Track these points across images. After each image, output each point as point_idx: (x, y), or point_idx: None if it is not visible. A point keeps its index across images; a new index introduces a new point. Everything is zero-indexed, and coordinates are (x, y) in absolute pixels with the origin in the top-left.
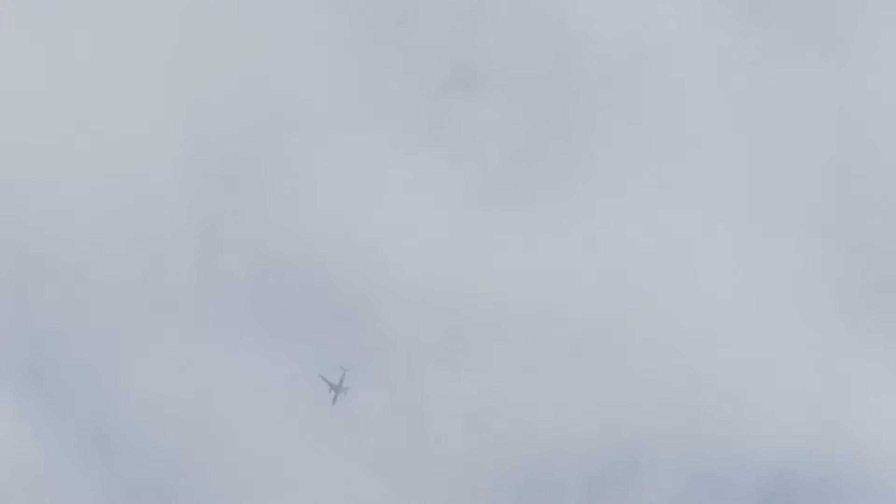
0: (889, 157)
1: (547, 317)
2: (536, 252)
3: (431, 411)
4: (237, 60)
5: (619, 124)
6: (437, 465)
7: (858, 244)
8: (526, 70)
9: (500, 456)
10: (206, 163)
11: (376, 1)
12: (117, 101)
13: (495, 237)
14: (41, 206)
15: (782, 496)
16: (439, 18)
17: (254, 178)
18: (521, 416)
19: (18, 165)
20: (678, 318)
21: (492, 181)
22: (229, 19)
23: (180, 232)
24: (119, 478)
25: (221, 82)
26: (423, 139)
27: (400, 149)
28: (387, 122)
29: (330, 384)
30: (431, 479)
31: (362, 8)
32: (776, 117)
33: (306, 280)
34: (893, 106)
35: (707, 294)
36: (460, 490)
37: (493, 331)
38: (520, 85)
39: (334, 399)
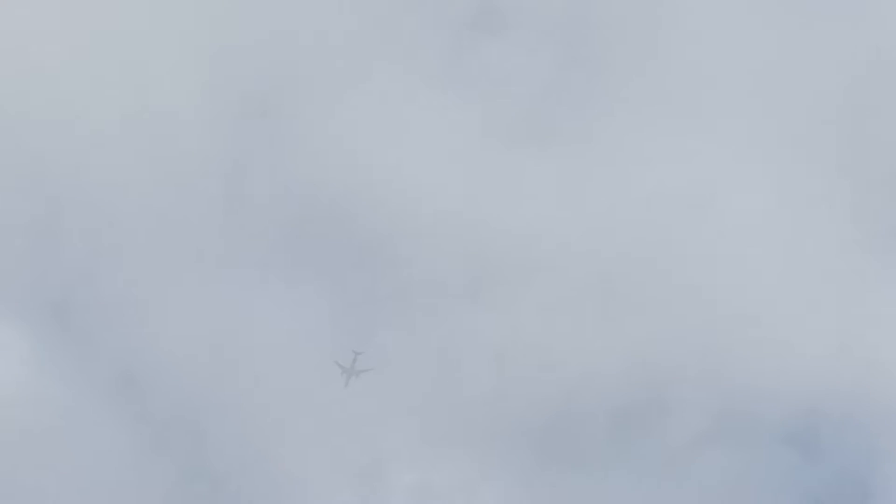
0: None
1: (572, 255)
2: (562, 190)
3: (457, 350)
4: None
5: (643, 61)
6: (463, 403)
7: (888, 178)
8: (549, 8)
9: (526, 394)
10: (231, 100)
11: None
12: (144, 38)
13: (520, 175)
14: (68, 145)
15: (809, 433)
16: None
17: (278, 117)
18: (547, 355)
19: (46, 104)
20: (705, 255)
21: (516, 119)
22: None
23: (206, 169)
24: (145, 417)
25: (248, 18)
26: (448, 77)
27: (424, 87)
28: (411, 59)
29: (342, 367)
30: (458, 419)
31: None
32: (804, 49)
33: (330, 218)
34: None
35: (734, 230)
36: (487, 429)
37: (518, 269)
38: (543, 23)
39: (346, 381)
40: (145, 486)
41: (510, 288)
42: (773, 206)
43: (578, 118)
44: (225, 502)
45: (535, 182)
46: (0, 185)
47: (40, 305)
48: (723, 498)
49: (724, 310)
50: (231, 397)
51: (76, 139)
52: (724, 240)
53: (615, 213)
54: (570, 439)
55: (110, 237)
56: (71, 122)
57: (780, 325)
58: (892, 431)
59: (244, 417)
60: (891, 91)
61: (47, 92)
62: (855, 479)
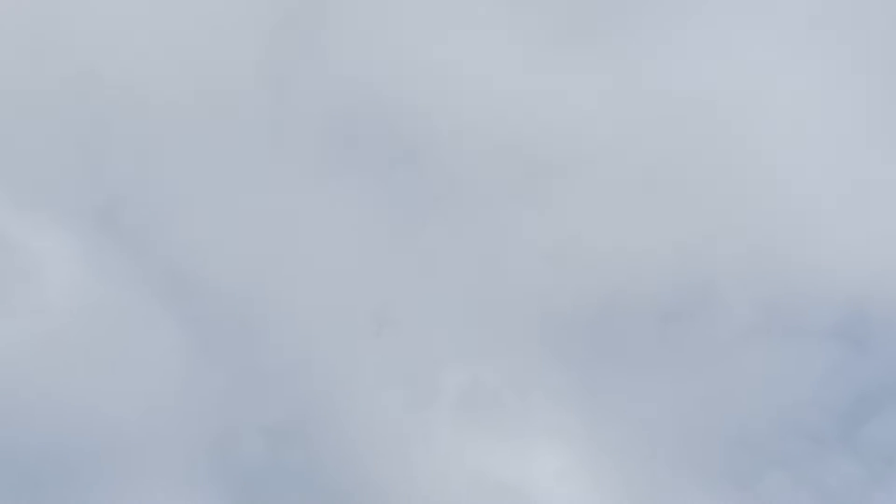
0: None
1: (618, 150)
2: (607, 83)
3: (503, 249)
4: None
5: None
6: (510, 302)
7: None
8: None
9: (574, 291)
10: (277, 5)
11: None
12: None
13: (565, 70)
14: (113, 53)
15: (859, 326)
16: None
17: (324, 21)
18: (594, 251)
19: (94, 17)
20: (754, 150)
21: (560, 13)
22: None
23: (250, 71)
24: (197, 319)
25: None
26: None
27: None
28: None
29: (373, 322)
30: (505, 317)
31: None
32: None
33: (374, 118)
34: None
35: (784, 123)
36: (535, 327)
37: (563, 166)
38: None
39: (378, 333)
40: (198, 389)
41: (555, 185)
42: (823, 98)
43: (623, 10)
44: (280, 402)
45: (580, 76)
46: (48, 90)
47: (89, 208)
48: (772, 392)
49: (772, 203)
50: (281, 297)
51: (121, 47)
52: (774, 132)
53: (661, 107)
54: (620, 335)
55: (158, 142)
56: (115, 33)
57: (829, 218)
58: None
59: (295, 317)
60: None
61: (95, 5)
62: None
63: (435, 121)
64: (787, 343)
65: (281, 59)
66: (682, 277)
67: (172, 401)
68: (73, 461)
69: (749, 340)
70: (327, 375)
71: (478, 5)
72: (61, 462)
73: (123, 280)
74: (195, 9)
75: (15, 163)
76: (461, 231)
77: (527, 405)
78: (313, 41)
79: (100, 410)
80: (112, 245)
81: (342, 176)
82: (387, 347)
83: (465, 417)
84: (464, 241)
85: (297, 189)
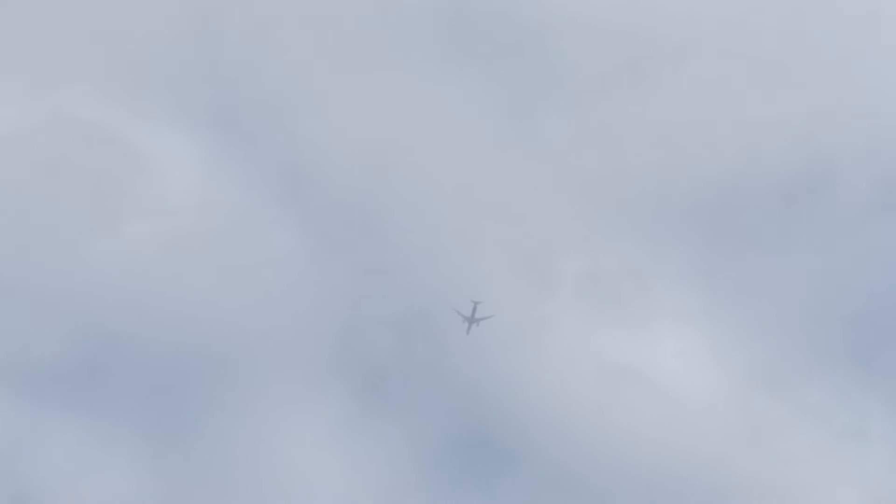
0: None
1: (733, 35)
2: None
3: (620, 135)
4: None
5: None
6: (629, 186)
7: None
8: None
9: (692, 173)
10: None
11: None
12: None
13: None
14: None
15: None
16: None
17: None
18: (712, 133)
19: None
20: (873, 29)
21: None
22: None
23: None
24: (316, 214)
25: None
26: None
27: None
28: None
29: (463, 316)
30: (624, 201)
31: None
32: None
33: (491, 10)
34: None
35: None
36: (654, 210)
37: (680, 50)
38: None
39: (468, 329)
40: (321, 283)
41: (669, 68)
42: None
43: None
44: (400, 293)
45: None
46: None
47: (207, 110)
48: (893, 269)
49: (885, 79)
50: (402, 188)
51: None
52: (886, 16)
53: None
54: (738, 216)
55: (272, 38)
56: None
57: None
58: None
59: (412, 211)
60: None
61: None
62: None
63: (548, 9)
64: None
65: None
66: (801, 156)
67: (296, 295)
68: (200, 355)
69: (869, 217)
70: (449, 267)
71: None
72: (190, 355)
73: (244, 178)
74: None
75: (133, 70)
76: (576, 118)
77: (647, 289)
78: None
79: (224, 306)
80: (231, 145)
81: (458, 67)
82: (507, 236)
83: (587, 303)
84: (579, 128)
85: (414, 81)
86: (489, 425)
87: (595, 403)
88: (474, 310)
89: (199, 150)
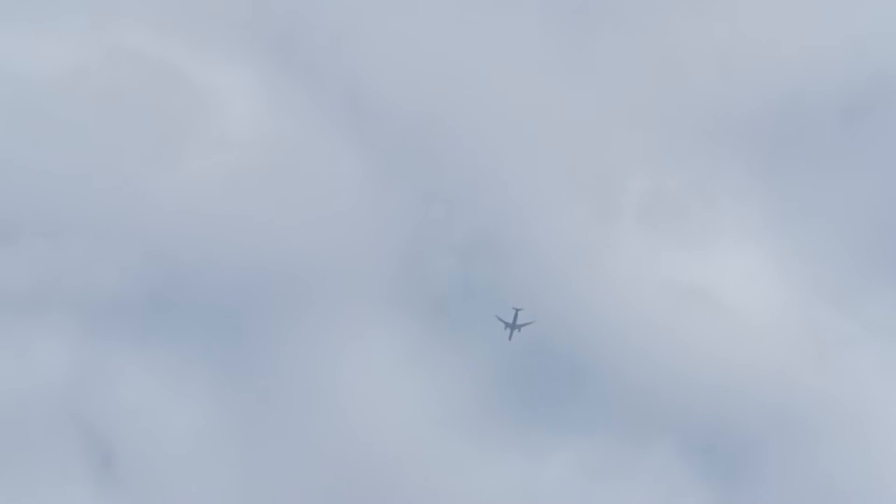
0: None
1: None
2: None
3: (680, 56)
4: None
5: None
6: (691, 107)
7: None
8: None
9: (753, 94)
10: None
11: None
12: None
13: None
14: None
15: None
16: None
17: None
18: (771, 53)
19: None
20: None
21: None
22: None
23: None
24: (377, 144)
25: None
26: None
27: None
28: None
29: (505, 323)
30: (686, 122)
31: None
32: None
33: None
34: None
35: None
36: (716, 131)
37: None
38: None
39: (510, 336)
40: (384, 211)
41: None
42: None
43: None
44: (467, 220)
45: None
46: None
47: (264, 43)
48: None
49: None
50: (459, 116)
51: None
52: None
53: None
54: (800, 133)
55: None
56: None
57: None
58: None
59: (473, 137)
60: None
61: None
62: None
63: None
64: None
65: None
66: (862, 73)
67: (359, 224)
68: (265, 286)
69: None
70: (513, 191)
71: None
72: (255, 286)
73: (304, 109)
74: None
75: (193, 3)
76: (636, 39)
77: (711, 208)
78: None
79: (287, 238)
80: (289, 77)
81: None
82: (568, 159)
83: (650, 224)
84: (639, 49)
85: (473, 5)
86: (555, 348)
87: (660, 322)
88: (515, 316)
89: (259, 82)
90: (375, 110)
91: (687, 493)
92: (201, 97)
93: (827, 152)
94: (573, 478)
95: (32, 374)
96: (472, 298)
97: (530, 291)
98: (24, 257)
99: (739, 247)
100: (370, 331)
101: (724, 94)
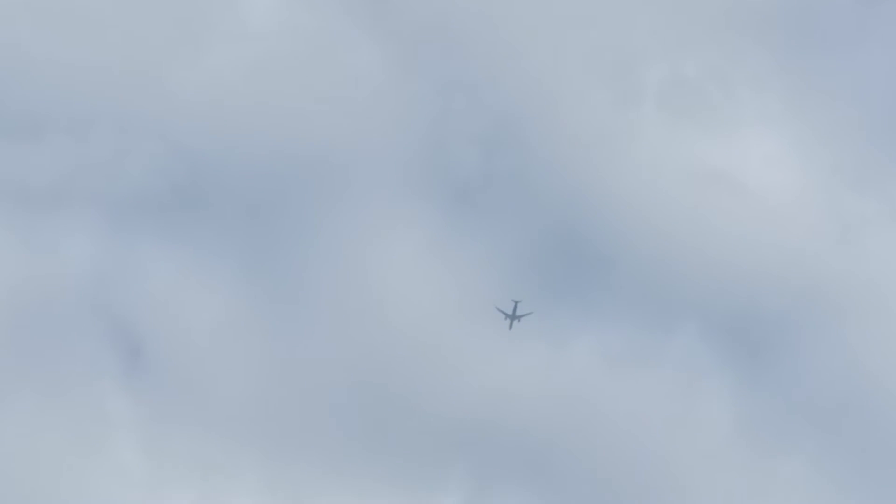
0: None
1: None
2: None
3: None
4: None
5: None
6: None
7: None
8: None
9: None
10: None
11: None
12: None
13: None
14: None
15: None
16: None
17: None
18: None
19: None
20: None
21: None
22: None
23: None
24: (396, 33)
25: None
26: None
27: None
28: None
29: (505, 314)
30: (704, 7)
31: None
32: None
33: None
34: None
35: None
36: (732, 14)
37: None
38: None
39: (510, 325)
40: (405, 99)
41: None
42: None
43: None
44: (488, 110)
45: None
46: None
47: None
48: None
49: None
50: (478, 5)
51: None
52: None
53: None
54: (819, 16)
55: None
56: None
57: None
58: None
59: (493, 23)
60: None
61: None
62: None
63: None
64: None
65: None
66: None
67: (381, 113)
68: (287, 178)
69: None
70: (534, 79)
71: None
72: (276, 178)
73: (321, 2)
74: None
75: None
76: None
77: (730, 94)
78: None
79: (309, 128)
80: None
81: None
82: (588, 46)
83: (671, 110)
84: None
85: None
86: (579, 233)
87: (683, 207)
88: (515, 308)
89: None
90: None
91: (711, 377)
92: None
93: (846, 34)
94: (596, 364)
95: (59, 268)
96: (494, 187)
97: (552, 179)
98: (48, 153)
99: (760, 131)
100: (393, 220)
101: None
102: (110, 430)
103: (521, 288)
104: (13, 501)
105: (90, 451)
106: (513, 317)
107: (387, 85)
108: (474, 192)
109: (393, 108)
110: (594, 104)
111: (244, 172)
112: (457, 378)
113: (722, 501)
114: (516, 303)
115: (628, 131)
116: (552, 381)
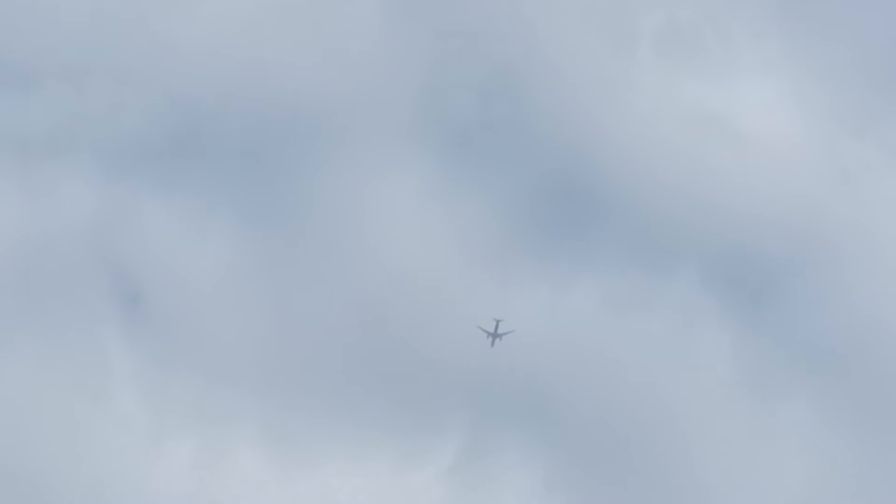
0: None
1: None
2: None
3: None
4: None
5: None
6: None
7: None
8: None
9: None
10: None
11: None
12: None
13: None
14: None
15: None
16: None
17: None
18: None
19: None
20: None
21: None
22: None
23: None
24: None
25: None
26: None
27: None
28: None
29: (487, 332)
30: None
31: None
32: None
33: None
34: None
35: None
36: None
37: None
38: None
39: (492, 343)
40: (402, 49)
41: None
42: None
43: None
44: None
45: None
46: None
47: None
48: None
49: None
50: None
51: None
52: None
53: None
54: None
55: None
56: None
57: None
58: None
59: None
60: None
61: None
62: None
63: None
64: None
65: None
66: None
67: (380, 60)
68: (285, 125)
69: None
70: (530, 26)
71: None
72: (275, 126)
73: None
74: None
75: None
76: None
77: (727, 39)
78: None
79: (309, 74)
80: None
81: None
82: None
83: (668, 56)
84: None
85: None
86: (577, 179)
87: (681, 153)
88: (496, 326)
89: None
90: None
91: (710, 320)
92: None
93: None
94: (596, 307)
95: (59, 216)
96: (491, 133)
97: (549, 125)
98: (47, 102)
99: (758, 77)
100: (392, 167)
101: None
102: (110, 378)
103: (520, 234)
104: (14, 448)
105: (90, 399)
106: (495, 335)
107: (385, 32)
108: (472, 138)
109: (391, 55)
110: (591, 50)
111: (242, 120)
112: (457, 323)
113: (721, 444)
114: (497, 322)
115: (625, 77)
116: (552, 325)
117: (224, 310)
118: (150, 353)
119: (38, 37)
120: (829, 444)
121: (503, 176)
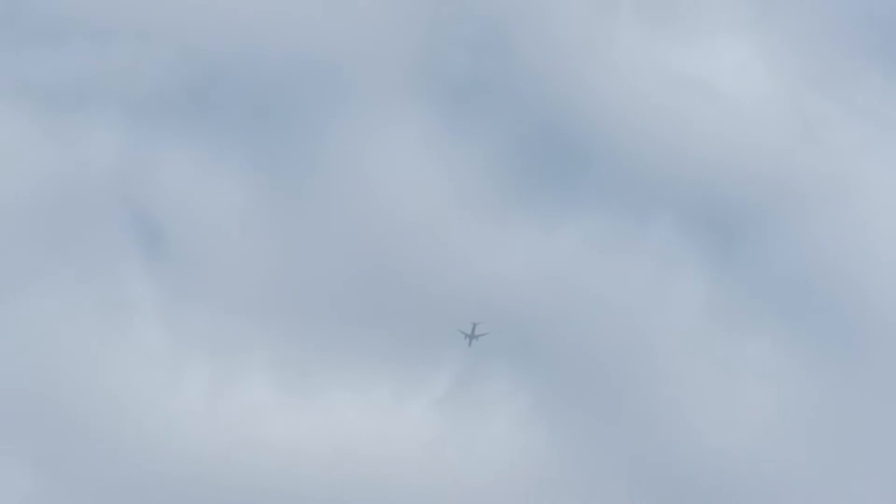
0: None
1: None
2: None
3: None
4: None
5: None
6: None
7: None
8: None
9: None
10: None
11: None
12: None
13: None
14: None
15: None
16: None
17: None
18: None
19: None
20: None
21: None
22: None
23: None
24: None
25: None
26: None
27: None
28: None
29: (464, 334)
30: None
31: None
32: None
33: None
34: None
35: None
36: None
37: None
38: None
39: (469, 343)
40: (397, 8)
41: None
42: None
43: None
44: (479, 16)
45: None
46: None
47: None
48: None
49: None
50: None
51: None
52: None
53: None
54: None
55: None
56: None
57: None
58: None
59: None
60: None
61: None
62: None
63: None
64: None
65: None
66: None
67: (381, 20)
68: (293, 81)
69: None
70: None
71: None
72: (289, 76)
73: None
74: None
75: None
76: None
77: (702, 2)
78: None
79: (315, 33)
80: None
81: None
82: None
83: (646, 18)
84: None
85: None
86: (563, 131)
87: (659, 106)
88: (473, 329)
89: None
90: None
91: (685, 263)
92: None
93: None
94: (580, 250)
95: (84, 162)
96: (484, 88)
97: (538, 81)
98: (71, 56)
99: (730, 37)
100: (393, 118)
101: None
102: (131, 312)
103: (510, 182)
104: (44, 375)
105: (113, 331)
106: (472, 336)
107: None
108: (467, 94)
109: (391, 15)
110: (576, 12)
111: (254, 75)
112: (453, 263)
113: (694, 374)
114: (474, 324)
115: (608, 37)
116: (541, 264)
117: (237, 248)
118: (168, 287)
119: None
120: (792, 375)
121: (496, 127)
